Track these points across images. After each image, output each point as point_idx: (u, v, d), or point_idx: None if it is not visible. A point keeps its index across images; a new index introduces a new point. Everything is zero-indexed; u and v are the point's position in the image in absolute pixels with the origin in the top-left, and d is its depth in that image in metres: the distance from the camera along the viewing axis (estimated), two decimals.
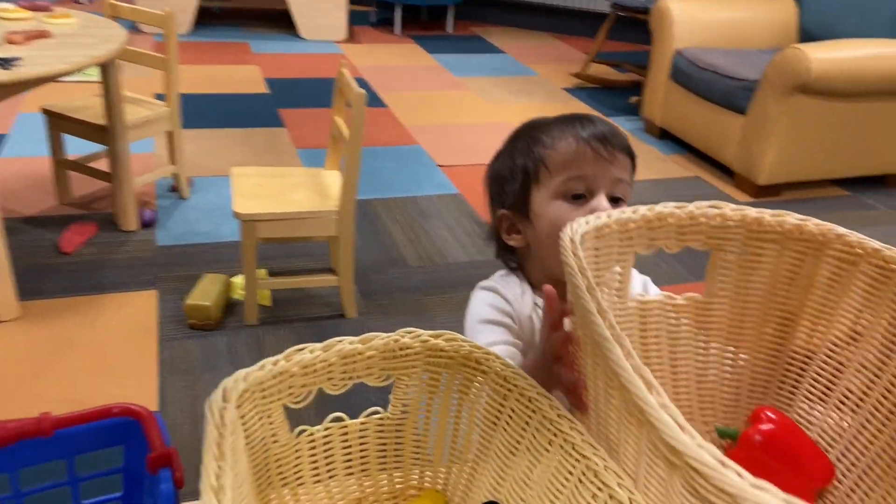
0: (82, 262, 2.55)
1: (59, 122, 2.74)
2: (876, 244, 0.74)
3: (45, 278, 2.44)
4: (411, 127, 3.96)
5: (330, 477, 0.69)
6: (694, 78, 3.60)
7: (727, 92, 3.42)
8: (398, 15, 5.83)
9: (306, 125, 3.87)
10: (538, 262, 0.98)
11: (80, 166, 2.81)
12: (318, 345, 0.66)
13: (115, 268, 2.54)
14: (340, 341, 0.67)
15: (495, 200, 1.02)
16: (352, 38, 5.63)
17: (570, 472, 0.59)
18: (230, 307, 2.38)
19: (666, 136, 4.07)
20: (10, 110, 3.64)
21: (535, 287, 0.99)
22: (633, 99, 4.48)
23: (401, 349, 0.68)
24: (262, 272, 2.51)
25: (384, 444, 0.71)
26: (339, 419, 0.69)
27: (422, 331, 0.69)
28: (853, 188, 3.65)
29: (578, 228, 0.65)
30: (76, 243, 2.62)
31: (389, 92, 4.41)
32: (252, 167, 2.42)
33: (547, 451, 0.63)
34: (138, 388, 2.01)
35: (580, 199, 0.92)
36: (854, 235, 0.75)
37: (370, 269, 2.65)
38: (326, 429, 0.69)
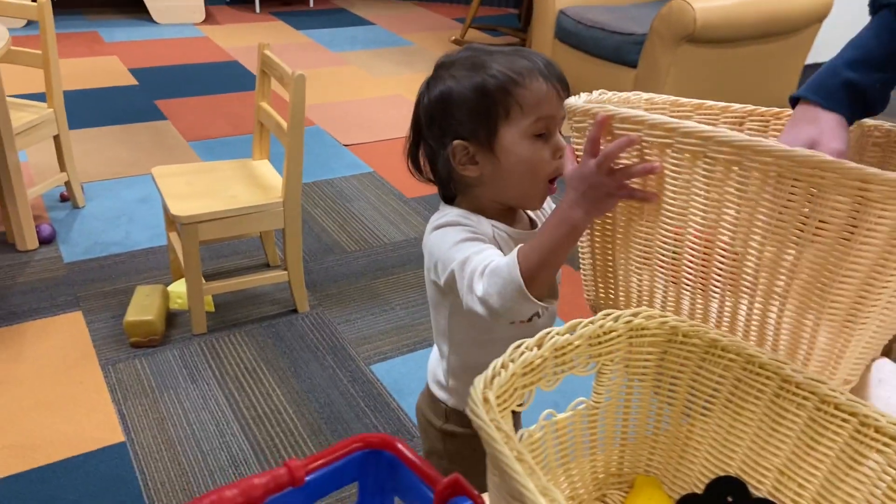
0: None
1: None
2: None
3: None
4: (307, 107, 3.79)
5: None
6: (582, 36, 3.69)
7: (616, 47, 3.54)
8: None
9: (190, 115, 3.61)
10: (492, 191, 0.96)
11: None
12: (531, 340, 0.62)
13: (24, 293, 2.27)
14: (550, 333, 0.62)
15: (440, 129, 0.94)
16: (209, 19, 5.31)
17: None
18: (170, 319, 2.20)
19: None
20: None
21: (485, 215, 0.97)
22: None
23: (605, 333, 0.65)
24: None
25: (592, 432, 0.68)
26: (550, 415, 0.65)
27: (620, 311, 0.66)
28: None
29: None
30: None
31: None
32: (173, 165, 2.23)
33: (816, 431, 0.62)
34: (95, 420, 1.82)
35: (542, 136, 0.92)
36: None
37: (307, 259, 2.53)
38: (541, 427, 0.65)
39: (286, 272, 2.20)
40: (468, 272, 0.86)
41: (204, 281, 2.30)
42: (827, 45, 4.12)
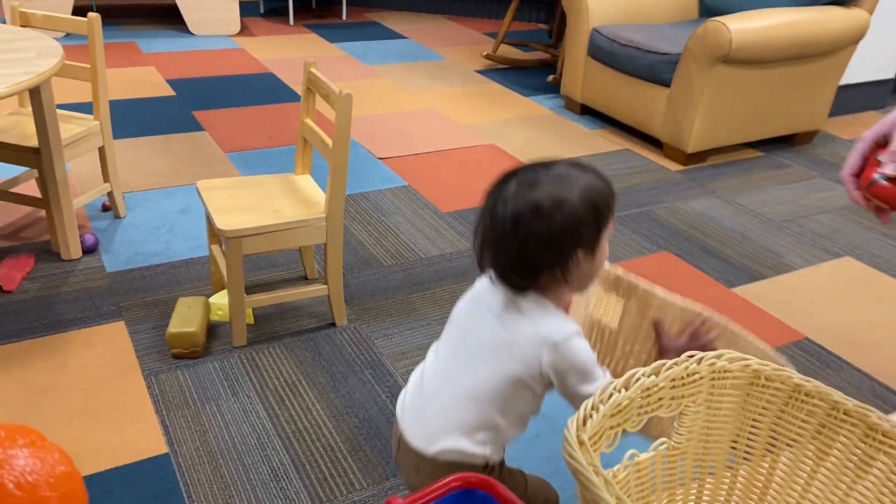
0: (29, 300, 2.30)
1: None
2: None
3: None
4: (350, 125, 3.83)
5: None
6: (616, 54, 3.70)
7: (651, 66, 3.55)
8: (290, 4, 5.61)
9: (227, 127, 3.67)
10: (576, 285, 1.18)
11: (4, 193, 2.53)
12: (619, 382, 0.63)
13: (68, 301, 2.31)
14: (635, 376, 0.64)
15: (561, 243, 1.11)
16: (244, 30, 5.38)
17: None
18: (210, 330, 2.23)
19: (587, 112, 4.18)
20: None
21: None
22: (551, 77, 4.56)
23: (689, 375, 0.66)
24: None
25: (671, 471, 0.68)
26: (633, 456, 0.66)
27: (704, 353, 0.67)
28: (765, 149, 3.90)
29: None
30: (17, 279, 2.37)
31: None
32: (217, 179, 2.27)
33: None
34: (140, 431, 1.85)
35: None
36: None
37: (344, 272, 2.56)
38: (625, 467, 0.65)
39: (326, 286, 2.22)
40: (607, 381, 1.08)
41: (245, 294, 2.33)
42: (861, 65, 4.10)
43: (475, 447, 1.20)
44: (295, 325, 2.28)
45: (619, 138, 3.90)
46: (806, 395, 0.65)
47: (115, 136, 3.39)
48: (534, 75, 4.80)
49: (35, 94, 2.23)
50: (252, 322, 2.28)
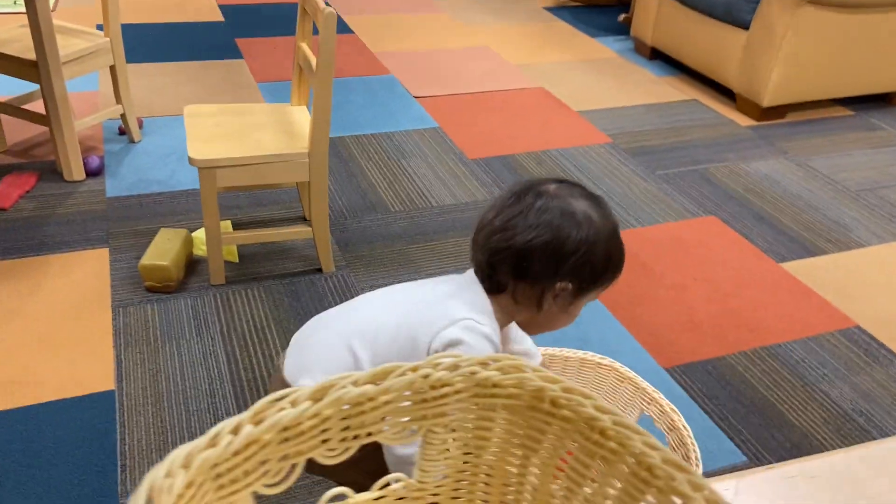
0: (22, 219, 2.25)
1: None
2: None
3: None
4: (381, 54, 3.63)
5: None
6: None
7: (729, 4, 3.14)
8: None
9: (267, 56, 3.52)
10: (541, 323, 1.11)
11: (12, 108, 2.48)
12: (306, 390, 0.42)
13: (59, 224, 2.25)
14: (339, 384, 0.42)
15: (550, 268, 1.03)
16: None
17: None
18: (192, 266, 2.11)
19: (657, 57, 3.80)
20: None
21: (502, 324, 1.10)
22: (622, 17, 4.17)
23: (433, 387, 0.44)
24: (227, 224, 2.24)
25: None
26: (339, 497, 0.46)
27: (464, 356, 0.45)
28: (857, 107, 3.43)
29: None
30: (14, 197, 2.32)
31: (354, 15, 4.05)
32: (208, 105, 2.12)
33: None
34: (91, 364, 1.76)
35: None
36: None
37: (346, 215, 2.39)
38: None
39: (310, 229, 2.05)
40: None
41: (232, 229, 2.20)
42: None
43: None
44: (280, 268, 2.14)
45: (689, 87, 3.51)
46: (601, 433, 0.42)
47: (152, 60, 3.32)
48: (608, 14, 4.41)
49: (29, 2, 2.13)
50: (236, 261, 2.14)
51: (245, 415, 0.40)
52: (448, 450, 0.46)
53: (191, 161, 1.85)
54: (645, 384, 1.39)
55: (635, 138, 3.01)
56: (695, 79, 3.59)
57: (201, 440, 0.39)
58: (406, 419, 0.44)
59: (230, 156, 1.87)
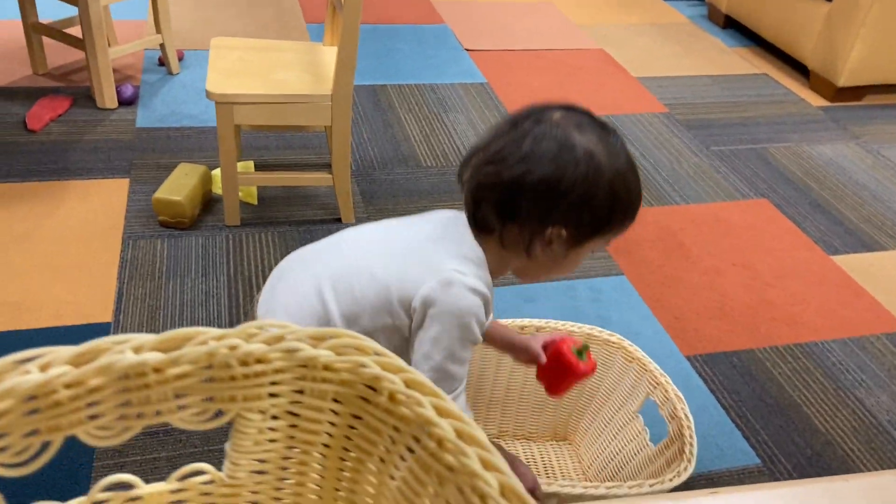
0: (50, 142, 2.24)
1: None
2: None
3: (5, 158, 2.14)
4: (438, 3, 3.49)
5: None
6: None
7: None
8: None
9: None
10: (533, 270, 0.98)
11: (54, 31, 2.46)
12: (67, 351, 0.33)
13: (85, 150, 2.23)
14: (115, 348, 0.34)
15: (555, 212, 0.89)
16: None
17: None
18: (209, 203, 2.07)
19: (731, 26, 3.55)
20: None
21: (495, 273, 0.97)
22: None
23: (243, 363, 0.35)
24: (249, 164, 2.19)
25: None
26: (125, 486, 0.37)
27: (291, 326, 0.35)
28: None
29: None
30: (45, 119, 2.31)
31: None
32: (238, 38, 2.05)
33: None
34: (92, 295, 1.74)
35: None
36: None
37: (375, 166, 2.30)
38: None
39: (331, 176, 1.98)
40: (458, 389, 0.94)
41: (253, 170, 2.15)
42: None
43: None
44: (298, 214, 2.07)
45: (761, 60, 3.28)
46: (438, 443, 0.33)
47: None
48: None
49: None
50: (255, 203, 2.09)
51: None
52: (270, 440, 0.37)
53: (207, 94, 1.78)
54: (653, 366, 1.29)
55: (693, 110, 2.82)
56: (769, 52, 3.35)
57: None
58: (205, 399, 0.35)
59: (248, 92, 1.79)
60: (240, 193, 1.99)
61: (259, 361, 0.35)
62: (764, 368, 1.72)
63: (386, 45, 3.05)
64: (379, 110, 2.59)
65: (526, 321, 1.34)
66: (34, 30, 2.48)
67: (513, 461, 1.09)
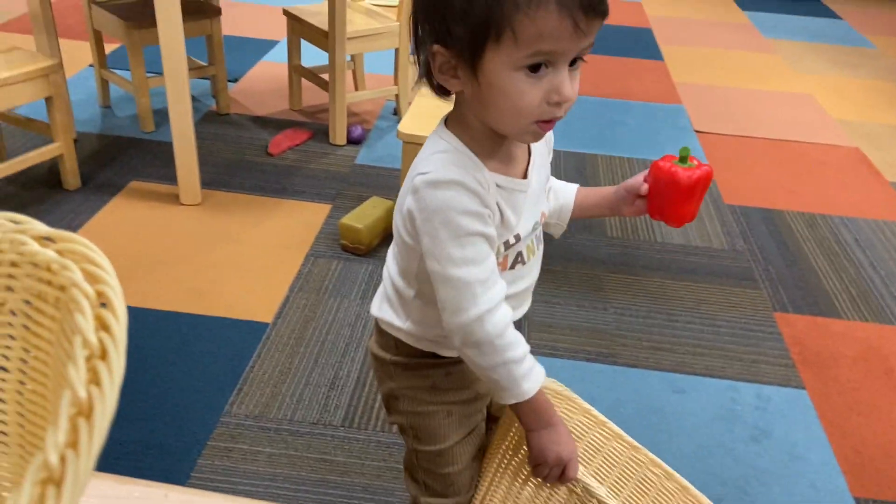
0: (282, 166, 2.53)
1: (295, 25, 2.74)
2: None
3: (241, 173, 2.46)
4: (682, 84, 3.39)
5: None
6: None
7: None
8: None
9: None
10: (477, 113, 0.79)
11: (309, 74, 2.80)
12: None
13: (306, 176, 2.48)
14: None
15: (427, 27, 0.77)
16: None
17: None
18: (389, 236, 2.18)
19: None
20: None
21: (481, 156, 0.81)
22: None
23: None
24: None
25: None
26: None
27: (31, 221, 0.37)
28: None
29: None
30: (283, 147, 2.62)
31: (671, 45, 3.84)
32: None
33: None
34: (263, 297, 1.91)
35: (537, 71, 0.73)
36: None
37: None
38: None
39: None
40: (484, 306, 0.79)
41: None
42: None
43: (394, 317, 0.92)
44: None
45: None
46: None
47: None
48: None
49: None
50: None
51: None
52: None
53: (397, 134, 1.90)
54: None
55: None
56: None
57: None
58: None
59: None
60: None
61: None
62: None
63: (613, 118, 3.02)
64: (581, 178, 2.56)
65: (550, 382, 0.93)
66: (295, 71, 2.85)
67: (561, 426, 0.88)
